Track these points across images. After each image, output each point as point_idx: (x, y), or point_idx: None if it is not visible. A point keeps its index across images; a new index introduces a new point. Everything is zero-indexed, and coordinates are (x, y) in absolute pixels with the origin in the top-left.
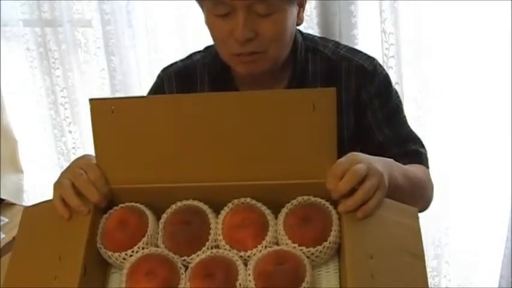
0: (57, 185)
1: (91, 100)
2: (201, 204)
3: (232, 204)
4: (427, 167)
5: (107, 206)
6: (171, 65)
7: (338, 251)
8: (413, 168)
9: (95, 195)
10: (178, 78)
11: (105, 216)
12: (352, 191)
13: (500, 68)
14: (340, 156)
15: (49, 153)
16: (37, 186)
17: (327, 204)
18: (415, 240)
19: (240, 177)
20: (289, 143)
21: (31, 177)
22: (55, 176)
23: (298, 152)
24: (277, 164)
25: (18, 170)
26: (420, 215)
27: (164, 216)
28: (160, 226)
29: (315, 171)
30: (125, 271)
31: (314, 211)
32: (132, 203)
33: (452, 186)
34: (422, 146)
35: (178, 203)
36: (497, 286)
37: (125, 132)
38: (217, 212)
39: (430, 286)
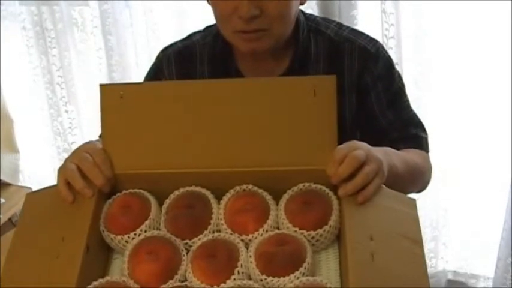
0: (62, 169)
1: (101, 85)
2: (203, 190)
3: (234, 190)
4: (427, 151)
5: (111, 192)
6: (171, 45)
7: (338, 237)
8: (411, 154)
9: (100, 179)
10: (177, 59)
11: (109, 201)
12: (352, 177)
13: (501, 49)
14: (342, 138)
15: (45, 133)
16: (33, 166)
17: (327, 190)
18: (414, 227)
19: (243, 163)
20: (291, 129)
21: (27, 157)
22: (51, 156)
23: (300, 138)
24: (279, 151)
25: (14, 150)
26: (418, 196)
27: (167, 201)
28: (163, 211)
29: (316, 158)
30: (127, 252)
31: (314, 196)
32: (136, 190)
33: (451, 168)
34: (424, 130)
35: (181, 189)
36: (494, 268)
37: (132, 117)
38: (219, 198)
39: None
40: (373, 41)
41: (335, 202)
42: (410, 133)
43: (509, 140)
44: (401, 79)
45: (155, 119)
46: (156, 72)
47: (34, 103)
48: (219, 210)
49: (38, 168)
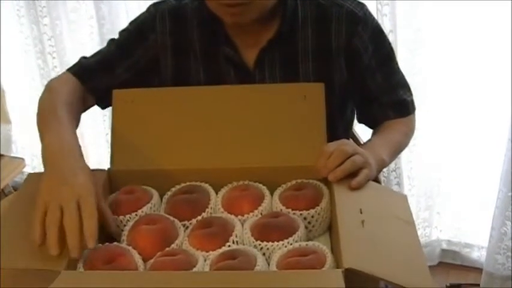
0: (44, 199)
1: (114, 91)
2: (202, 184)
3: (232, 184)
4: (413, 111)
5: (114, 188)
6: (164, 1)
7: (329, 229)
8: (397, 135)
9: (76, 251)
10: (171, 17)
11: (113, 194)
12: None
13: (498, 13)
14: (331, 102)
15: (37, 104)
16: (26, 137)
17: (318, 182)
18: (405, 211)
19: (240, 161)
20: (284, 130)
21: (19, 128)
22: None
23: (292, 138)
24: (273, 150)
25: (6, 120)
26: (412, 166)
27: (168, 193)
28: (164, 201)
29: (307, 156)
30: (127, 228)
31: (306, 185)
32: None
33: (445, 136)
34: (409, 90)
35: (182, 184)
36: (488, 237)
37: (139, 119)
38: (217, 191)
39: (421, 237)
40: (361, 5)
41: (326, 191)
42: (399, 98)
43: (505, 107)
44: (390, 43)
45: (160, 121)
46: (144, 25)
47: (25, 73)
48: (216, 199)
49: (31, 139)
